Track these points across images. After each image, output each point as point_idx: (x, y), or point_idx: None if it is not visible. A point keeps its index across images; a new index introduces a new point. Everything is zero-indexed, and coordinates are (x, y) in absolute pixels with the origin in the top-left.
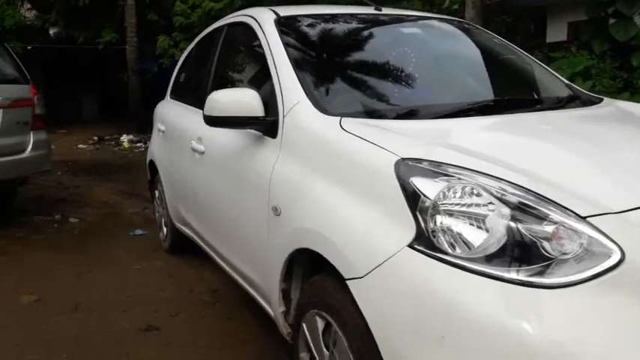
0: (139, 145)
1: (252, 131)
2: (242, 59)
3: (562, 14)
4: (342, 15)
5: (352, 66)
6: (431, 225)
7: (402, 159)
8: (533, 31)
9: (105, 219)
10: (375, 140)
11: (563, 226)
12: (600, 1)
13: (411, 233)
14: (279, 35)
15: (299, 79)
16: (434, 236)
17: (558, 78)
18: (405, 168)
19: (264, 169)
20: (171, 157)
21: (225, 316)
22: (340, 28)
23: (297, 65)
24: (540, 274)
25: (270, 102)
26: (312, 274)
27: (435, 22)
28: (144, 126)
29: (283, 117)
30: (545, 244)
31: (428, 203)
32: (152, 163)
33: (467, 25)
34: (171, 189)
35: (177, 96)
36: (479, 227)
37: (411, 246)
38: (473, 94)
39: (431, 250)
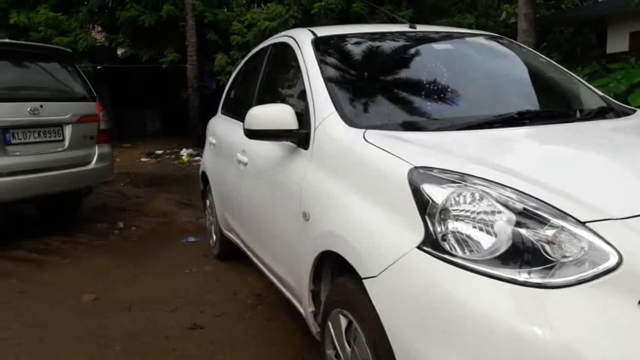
0: (197, 158)
1: (288, 143)
2: (283, 77)
3: (623, 24)
4: (375, 34)
5: (380, 82)
6: (439, 228)
7: (415, 167)
8: (594, 41)
9: (161, 227)
10: (392, 150)
11: (564, 230)
12: None
13: (419, 236)
14: (315, 54)
15: (330, 95)
16: (442, 239)
17: (594, 91)
18: (417, 175)
19: (297, 178)
20: (220, 168)
21: (265, 318)
22: (371, 46)
23: (330, 81)
24: (543, 276)
25: (304, 116)
26: (339, 276)
27: (473, 39)
28: (202, 140)
29: (314, 129)
30: (547, 248)
31: (436, 208)
32: (204, 174)
33: (505, 41)
34: (219, 198)
35: (227, 111)
36: (486, 231)
37: (419, 247)
38: (502, 108)
39: (438, 252)
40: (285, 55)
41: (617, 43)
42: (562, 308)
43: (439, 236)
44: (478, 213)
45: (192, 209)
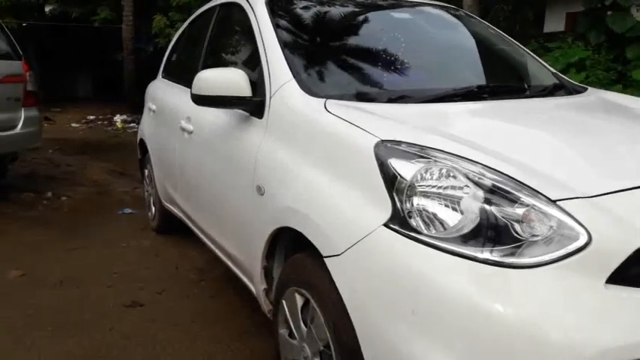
0: (132, 125)
1: (240, 111)
2: (233, 40)
3: (561, 5)
4: None
5: (340, 49)
6: (406, 205)
7: (382, 141)
8: (531, 20)
9: (95, 197)
10: (357, 122)
11: (534, 208)
12: None
13: (387, 213)
14: (270, 16)
15: (287, 61)
16: (409, 216)
17: (546, 67)
18: (384, 149)
19: (250, 149)
20: (161, 136)
21: (209, 294)
22: (332, 11)
23: (286, 47)
24: (511, 254)
25: (258, 83)
26: (294, 252)
27: (427, 9)
28: (138, 106)
29: (270, 98)
30: (516, 226)
31: (404, 184)
32: (142, 142)
33: (459, 13)
34: (159, 168)
35: (169, 75)
36: (453, 209)
37: (386, 225)
38: (460, 81)
39: (405, 230)
40: (235, 17)
41: (554, 23)
42: (529, 287)
43: (406, 213)
44: (446, 189)
45: (128, 179)
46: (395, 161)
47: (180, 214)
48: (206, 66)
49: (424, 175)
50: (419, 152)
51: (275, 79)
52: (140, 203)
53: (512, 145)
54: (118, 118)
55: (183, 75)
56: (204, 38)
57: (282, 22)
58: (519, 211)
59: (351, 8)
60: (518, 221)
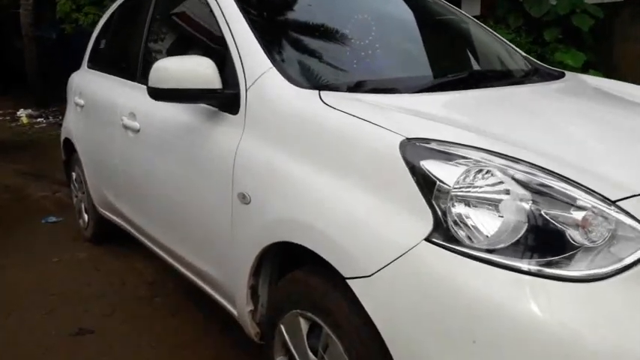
0: (39, 120)
1: (205, 106)
2: (182, 22)
3: None
4: None
5: (322, 31)
6: (451, 215)
7: (408, 139)
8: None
9: (11, 205)
10: (369, 117)
11: (593, 211)
12: None
13: (427, 224)
14: None
15: (263, 46)
16: (455, 227)
17: (517, 51)
18: (413, 149)
19: (225, 151)
20: (95, 135)
21: (168, 312)
22: None
23: (258, 29)
24: (568, 265)
25: (226, 72)
26: (285, 267)
27: None
28: (44, 99)
29: (246, 90)
30: (573, 232)
31: (446, 190)
32: (68, 142)
33: None
34: (94, 171)
35: (98, 65)
36: (503, 216)
37: (428, 239)
38: (448, 66)
39: (452, 244)
40: None
41: (470, 8)
42: (591, 302)
43: (451, 224)
44: (492, 193)
45: (46, 181)
46: (429, 163)
47: (125, 224)
48: (148, 54)
49: (467, 178)
50: (454, 151)
51: (249, 68)
52: (65, 209)
53: (543, 139)
54: (22, 113)
55: (118, 65)
56: (144, 22)
57: (249, 2)
58: (577, 215)
59: None
60: (574, 226)
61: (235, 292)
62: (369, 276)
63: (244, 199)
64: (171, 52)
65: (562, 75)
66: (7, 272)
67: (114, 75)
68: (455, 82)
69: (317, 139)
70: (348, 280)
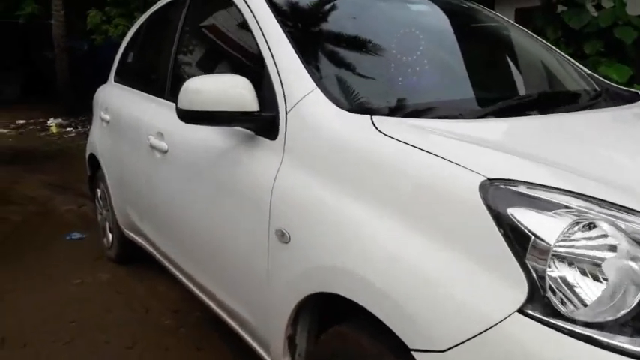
0: (68, 130)
1: (241, 129)
2: (214, 36)
3: (510, 0)
4: None
5: (370, 47)
6: (550, 280)
7: (490, 180)
8: None
9: (34, 219)
10: (436, 151)
11: None
12: None
13: (519, 291)
14: (270, 7)
15: (305, 64)
16: (555, 296)
17: (582, 69)
18: (497, 193)
19: (262, 180)
20: (120, 152)
21: (193, 345)
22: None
23: (299, 45)
24: None
25: (263, 92)
26: (326, 316)
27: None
28: (74, 109)
29: (286, 113)
30: None
31: (544, 247)
32: (93, 157)
33: (476, 6)
34: (119, 190)
35: (125, 79)
36: (605, 278)
37: (522, 311)
38: (512, 86)
39: (553, 318)
40: (218, 9)
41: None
42: None
43: (551, 292)
44: (597, 251)
45: (72, 193)
46: (519, 212)
47: (148, 246)
48: (177, 70)
49: (571, 233)
50: (552, 198)
51: (290, 88)
52: (90, 225)
53: None
54: (52, 122)
55: (145, 80)
56: (173, 35)
57: (288, 15)
58: None
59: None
60: None
61: (270, 339)
62: (443, 351)
63: (283, 237)
64: (202, 67)
65: (637, 96)
66: (22, 296)
67: (141, 90)
68: (524, 105)
69: (371, 174)
70: (414, 352)
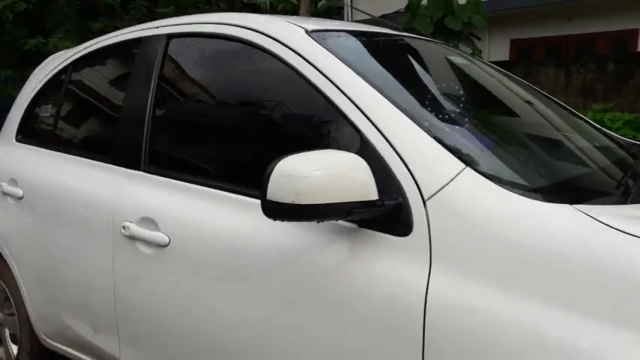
0: None
1: (344, 223)
2: (244, 97)
3: (503, 30)
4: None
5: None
6: None
7: None
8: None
9: None
10: None
11: None
12: None
13: None
14: (340, 58)
15: (425, 130)
16: None
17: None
18: None
19: (401, 303)
20: (49, 241)
21: None
22: (398, 54)
23: (401, 106)
24: None
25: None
26: None
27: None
28: None
29: (424, 201)
30: None
31: None
32: None
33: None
34: (45, 291)
35: (42, 140)
36: None
37: None
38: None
39: None
40: (238, 58)
41: (498, 51)
42: None
43: None
44: None
45: None
46: None
47: None
48: (160, 134)
49: None
50: None
51: (425, 168)
52: None
53: None
54: None
55: (95, 143)
56: (148, 83)
57: (358, 67)
58: None
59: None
60: None
61: None
62: None
63: None
64: (214, 136)
65: None
66: None
67: (84, 157)
68: None
69: (603, 291)
70: None
